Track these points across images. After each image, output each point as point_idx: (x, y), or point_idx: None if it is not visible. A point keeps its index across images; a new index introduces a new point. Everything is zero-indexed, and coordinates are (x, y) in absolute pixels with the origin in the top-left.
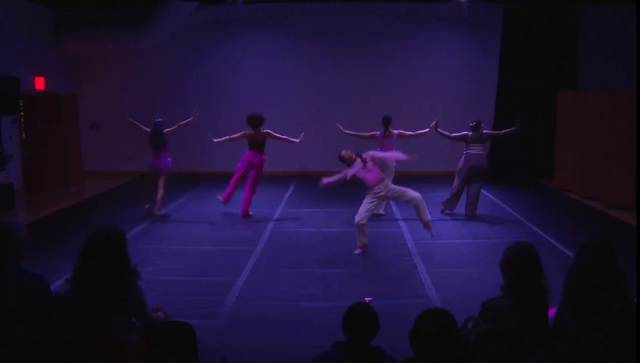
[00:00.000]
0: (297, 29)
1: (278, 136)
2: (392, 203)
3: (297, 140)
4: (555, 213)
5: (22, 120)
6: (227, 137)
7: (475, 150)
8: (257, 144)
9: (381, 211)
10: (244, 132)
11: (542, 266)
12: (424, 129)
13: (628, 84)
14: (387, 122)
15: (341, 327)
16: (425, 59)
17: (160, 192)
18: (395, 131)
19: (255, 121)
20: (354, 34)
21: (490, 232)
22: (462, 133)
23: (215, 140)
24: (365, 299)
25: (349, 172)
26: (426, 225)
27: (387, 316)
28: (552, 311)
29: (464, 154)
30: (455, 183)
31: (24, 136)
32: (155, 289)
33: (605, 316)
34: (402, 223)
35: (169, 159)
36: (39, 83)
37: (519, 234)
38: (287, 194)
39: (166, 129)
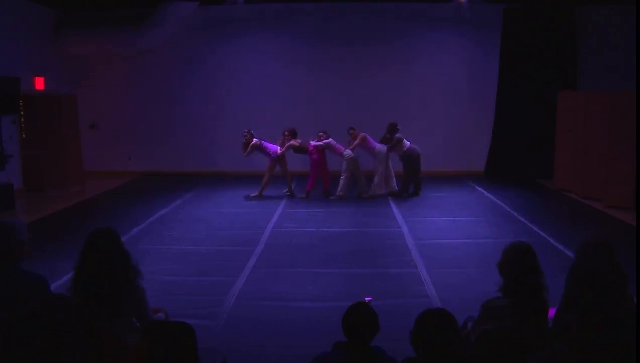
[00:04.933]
0: (297, 29)
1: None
2: (392, 203)
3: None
4: (555, 213)
5: (22, 120)
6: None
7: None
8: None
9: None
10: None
11: (540, 265)
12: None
13: (628, 84)
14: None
15: (341, 327)
16: (425, 60)
17: (285, 175)
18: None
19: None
20: (354, 35)
21: (490, 232)
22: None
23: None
24: (365, 299)
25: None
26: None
27: (387, 317)
28: (552, 311)
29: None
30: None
31: (24, 136)
32: (155, 289)
33: (605, 315)
34: (402, 223)
35: (275, 149)
36: (39, 83)
37: (519, 234)
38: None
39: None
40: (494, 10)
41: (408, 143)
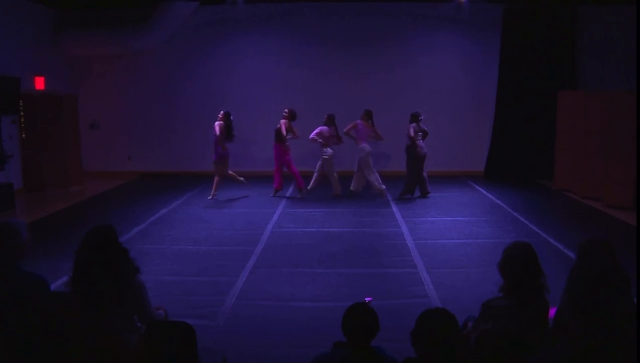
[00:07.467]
0: (297, 29)
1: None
2: (392, 203)
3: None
4: (555, 213)
5: (22, 120)
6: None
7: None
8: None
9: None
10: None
11: (541, 265)
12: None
13: (628, 84)
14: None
15: (341, 327)
16: (425, 60)
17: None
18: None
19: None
20: (354, 35)
21: (490, 232)
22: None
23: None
24: (365, 299)
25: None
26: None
27: (387, 317)
28: (552, 311)
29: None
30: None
31: (24, 136)
32: (155, 289)
33: (606, 316)
34: (402, 223)
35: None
36: (39, 83)
37: (519, 234)
38: (287, 194)
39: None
40: (494, 10)
41: (421, 142)
